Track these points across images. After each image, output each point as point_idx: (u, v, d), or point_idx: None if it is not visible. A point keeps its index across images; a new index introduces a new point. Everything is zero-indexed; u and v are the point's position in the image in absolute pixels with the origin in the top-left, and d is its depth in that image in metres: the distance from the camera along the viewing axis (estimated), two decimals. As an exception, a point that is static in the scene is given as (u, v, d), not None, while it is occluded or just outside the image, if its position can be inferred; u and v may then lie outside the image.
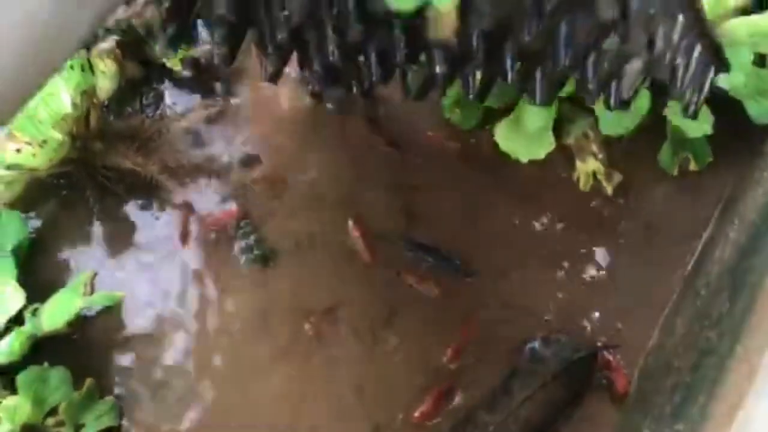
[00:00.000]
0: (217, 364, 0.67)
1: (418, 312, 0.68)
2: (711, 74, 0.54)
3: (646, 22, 0.49)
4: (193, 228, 0.72)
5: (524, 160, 0.71)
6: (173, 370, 0.67)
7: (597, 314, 0.67)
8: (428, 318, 0.68)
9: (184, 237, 0.71)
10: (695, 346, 0.57)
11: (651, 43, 0.50)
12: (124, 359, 0.67)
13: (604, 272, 0.69)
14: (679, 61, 0.52)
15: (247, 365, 0.67)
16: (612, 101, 0.55)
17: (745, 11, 0.66)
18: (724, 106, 0.67)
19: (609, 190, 0.71)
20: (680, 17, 0.50)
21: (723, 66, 0.54)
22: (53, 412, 0.63)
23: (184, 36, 0.55)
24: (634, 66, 0.53)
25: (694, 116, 0.57)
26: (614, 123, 0.69)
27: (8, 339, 0.64)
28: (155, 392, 0.66)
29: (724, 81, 0.65)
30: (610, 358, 0.65)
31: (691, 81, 0.54)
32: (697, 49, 0.52)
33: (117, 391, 0.66)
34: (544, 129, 0.70)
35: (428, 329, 0.67)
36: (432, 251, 0.70)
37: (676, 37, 0.51)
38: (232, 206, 0.72)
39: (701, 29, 0.51)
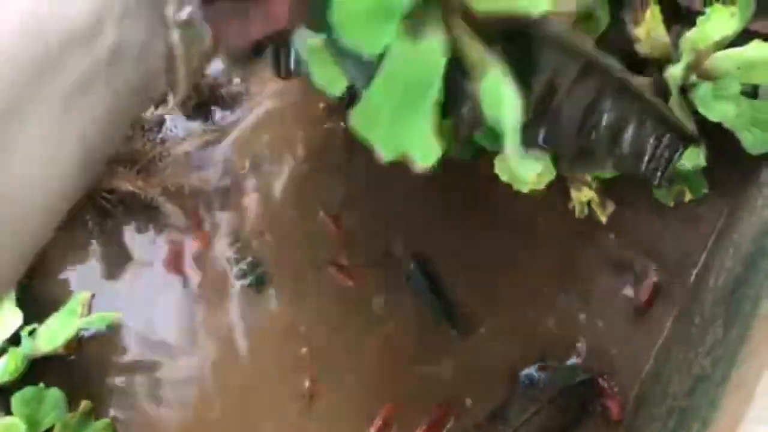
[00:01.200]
0: (215, 389, 0.67)
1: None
2: (680, 149, 0.56)
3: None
4: (186, 252, 0.72)
5: (525, 189, 0.71)
6: (170, 393, 0.67)
7: (592, 341, 0.67)
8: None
9: (176, 261, 0.72)
10: (690, 372, 0.57)
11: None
12: (121, 381, 0.67)
13: (599, 300, 0.69)
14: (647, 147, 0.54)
15: (246, 391, 0.67)
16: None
17: (730, 44, 0.68)
18: (719, 136, 0.68)
19: (603, 219, 0.72)
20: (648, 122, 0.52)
21: (694, 142, 0.56)
22: (48, 434, 0.63)
23: None
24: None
25: (660, 186, 0.60)
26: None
27: (4, 359, 0.64)
28: (151, 415, 0.66)
29: (717, 114, 0.67)
30: (605, 384, 0.65)
31: (658, 159, 0.55)
32: (667, 137, 0.54)
33: (113, 413, 0.66)
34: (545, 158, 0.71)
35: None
36: (437, 288, 0.70)
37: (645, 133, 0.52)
38: (202, 231, 0.73)
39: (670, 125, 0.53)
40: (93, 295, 0.69)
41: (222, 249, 0.72)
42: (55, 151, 0.27)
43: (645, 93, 0.50)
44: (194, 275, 0.71)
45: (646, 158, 0.54)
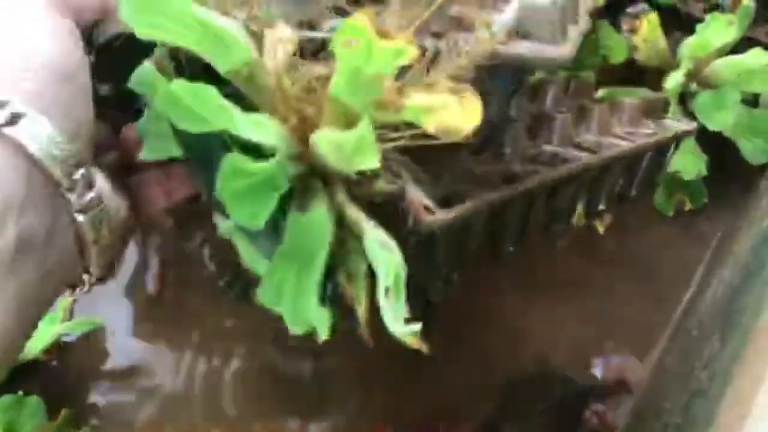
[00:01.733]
0: (200, 398, 0.66)
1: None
2: (670, 153, 0.55)
3: None
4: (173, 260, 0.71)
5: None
6: (152, 401, 0.65)
7: (586, 352, 0.66)
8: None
9: (162, 268, 0.71)
10: (686, 386, 0.55)
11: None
12: (103, 388, 0.66)
13: (595, 310, 0.68)
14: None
15: (232, 400, 0.65)
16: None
17: (730, 51, 0.67)
18: (719, 145, 0.67)
19: (600, 229, 0.71)
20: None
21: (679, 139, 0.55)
22: (25, 443, 0.62)
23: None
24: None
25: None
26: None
27: (-17, 366, 0.63)
28: (132, 424, 0.65)
29: (717, 122, 0.66)
30: (600, 396, 0.63)
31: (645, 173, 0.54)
32: (648, 156, 0.53)
33: (94, 421, 0.64)
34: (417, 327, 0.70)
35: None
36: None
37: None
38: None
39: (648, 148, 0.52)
40: (74, 300, 0.68)
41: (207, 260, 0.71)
42: None
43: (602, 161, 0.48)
44: (181, 281, 0.70)
45: (630, 185, 0.53)
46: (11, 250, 0.28)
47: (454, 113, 0.29)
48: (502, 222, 0.44)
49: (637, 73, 0.72)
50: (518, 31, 0.34)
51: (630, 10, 0.73)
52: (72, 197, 0.31)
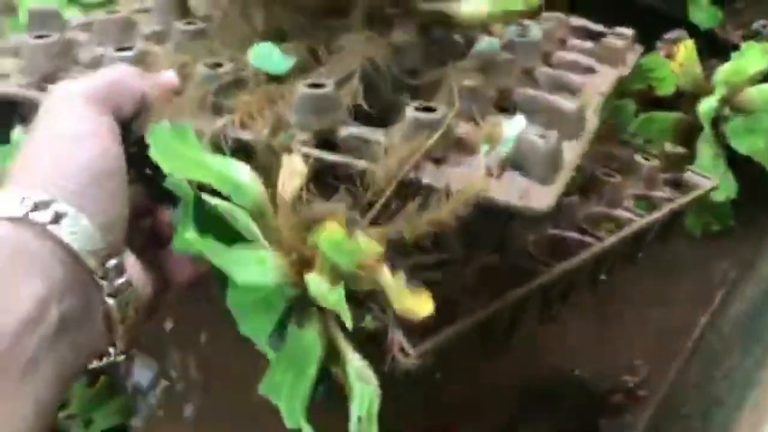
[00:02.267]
0: (228, 378, 0.68)
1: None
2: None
3: None
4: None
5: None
6: (184, 375, 0.67)
7: (608, 361, 0.67)
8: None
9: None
10: (706, 395, 0.57)
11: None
12: (137, 359, 0.68)
13: (618, 322, 0.69)
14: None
15: (240, 390, 0.67)
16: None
17: (764, 78, 0.69)
18: (748, 169, 0.68)
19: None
20: None
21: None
22: (65, 405, 0.64)
23: None
24: None
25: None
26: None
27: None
28: (166, 395, 0.67)
29: (747, 147, 0.68)
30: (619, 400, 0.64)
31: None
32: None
33: (128, 388, 0.67)
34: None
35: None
36: None
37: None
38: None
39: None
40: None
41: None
42: (9, 417, 0.30)
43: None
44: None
45: (638, 251, 0.55)
46: (53, 330, 0.31)
47: (413, 302, 0.33)
48: (493, 327, 0.45)
49: (674, 97, 0.74)
50: (512, 161, 0.36)
51: (667, 35, 0.75)
52: (104, 283, 0.34)
